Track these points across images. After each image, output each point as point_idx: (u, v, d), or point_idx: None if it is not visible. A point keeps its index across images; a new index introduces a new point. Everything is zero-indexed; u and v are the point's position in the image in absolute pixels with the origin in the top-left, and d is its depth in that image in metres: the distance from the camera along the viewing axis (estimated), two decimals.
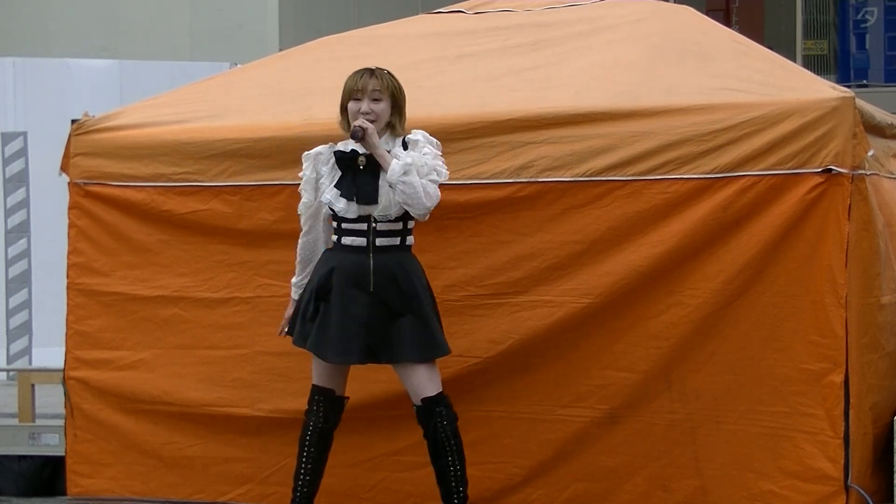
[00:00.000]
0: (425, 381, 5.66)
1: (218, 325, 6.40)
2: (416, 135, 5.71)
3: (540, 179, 6.04)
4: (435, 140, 5.72)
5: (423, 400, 5.68)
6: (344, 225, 5.71)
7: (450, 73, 6.51)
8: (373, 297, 5.64)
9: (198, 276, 6.42)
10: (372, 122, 5.63)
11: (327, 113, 5.95)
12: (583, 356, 6.06)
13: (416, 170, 5.57)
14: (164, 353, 6.46)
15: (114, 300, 6.52)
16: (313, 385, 5.83)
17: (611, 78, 6.25)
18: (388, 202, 5.64)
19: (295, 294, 5.87)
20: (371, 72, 5.68)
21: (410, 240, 5.76)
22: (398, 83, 5.72)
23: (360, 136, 5.60)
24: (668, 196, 5.93)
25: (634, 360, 6.00)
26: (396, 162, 5.57)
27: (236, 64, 9.09)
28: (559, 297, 6.03)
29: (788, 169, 5.80)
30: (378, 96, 5.66)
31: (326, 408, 5.80)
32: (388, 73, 5.71)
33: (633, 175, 5.96)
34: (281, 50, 10.33)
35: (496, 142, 6.09)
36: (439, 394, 5.69)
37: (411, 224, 5.76)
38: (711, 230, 5.90)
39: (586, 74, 6.33)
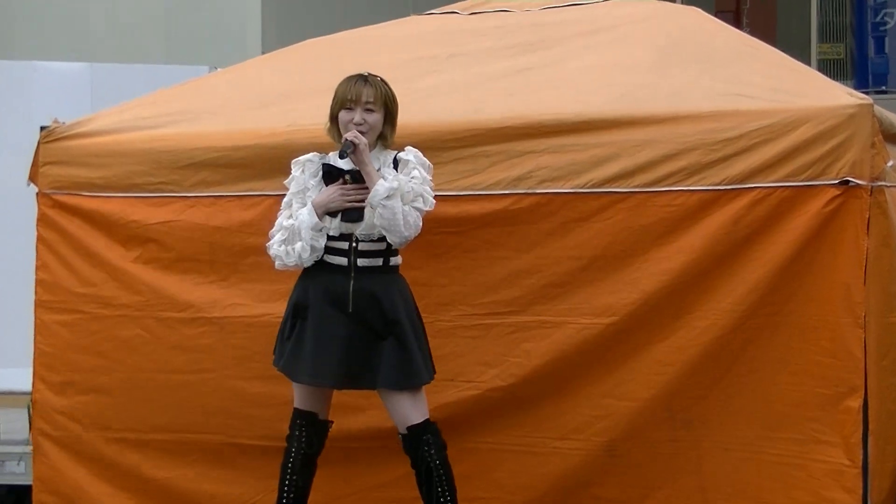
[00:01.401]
0: (409, 409, 5.58)
1: (182, 347, 6.29)
2: (408, 154, 5.65)
3: (538, 191, 5.96)
4: (427, 162, 5.66)
5: (409, 428, 5.59)
6: (327, 242, 5.64)
7: (442, 74, 6.43)
8: (352, 317, 5.57)
9: (162, 294, 6.33)
10: (364, 133, 5.57)
11: (312, 118, 5.87)
12: (580, 383, 5.96)
13: (400, 195, 5.51)
14: (129, 376, 6.37)
15: (79, 319, 6.43)
16: (295, 409, 5.75)
17: (612, 81, 6.18)
18: (372, 221, 5.58)
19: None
20: (365, 79, 5.62)
21: (396, 260, 5.69)
22: (391, 91, 5.65)
23: (350, 151, 5.52)
24: (674, 209, 5.86)
25: (636, 387, 5.89)
26: (382, 183, 5.51)
27: (216, 67, 9.07)
28: (557, 317, 5.94)
29: (802, 181, 5.73)
30: (372, 106, 5.60)
31: (309, 432, 5.72)
32: (382, 80, 5.65)
33: (636, 186, 5.89)
34: (263, 53, 10.32)
35: (492, 151, 6.01)
36: (426, 421, 5.60)
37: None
38: (720, 246, 5.81)
39: (587, 77, 6.25)
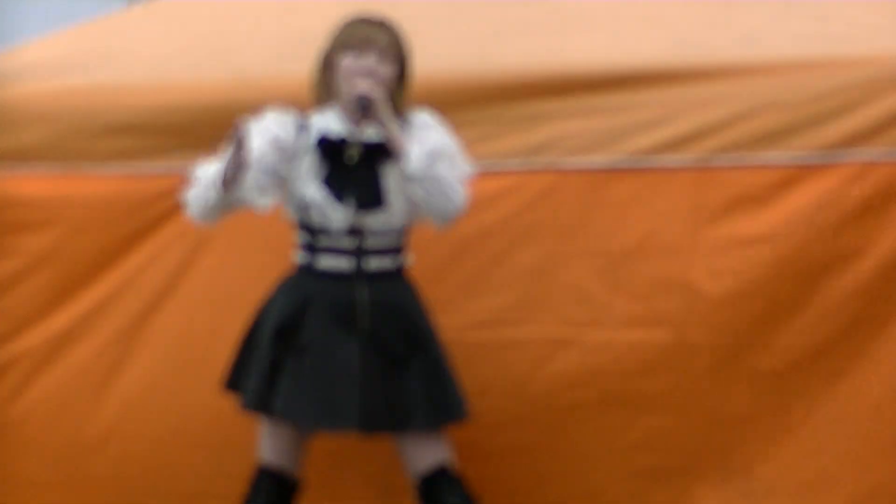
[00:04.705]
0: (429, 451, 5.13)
1: (71, 370, 5.87)
2: (423, 116, 5.12)
3: (562, 165, 5.56)
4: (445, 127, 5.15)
5: (424, 477, 5.10)
6: (322, 241, 5.09)
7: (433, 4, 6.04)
8: (369, 339, 5.08)
9: (47, 302, 5.93)
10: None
11: (266, 68, 5.66)
12: (594, 432, 5.47)
13: (444, 157, 4.99)
14: None
15: None
16: (262, 466, 5.23)
17: (665, 19, 5.82)
18: (398, 207, 5.08)
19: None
20: (381, 23, 5.11)
21: (408, 259, 5.24)
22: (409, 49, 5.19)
23: (364, 106, 4.96)
24: (741, 189, 5.42)
25: (675, 440, 5.42)
26: (419, 146, 4.98)
27: (135, 1, 8.88)
28: (567, 331, 5.50)
29: None
30: (386, 56, 5.06)
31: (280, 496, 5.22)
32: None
33: (691, 158, 5.45)
34: None
35: (503, 114, 5.62)
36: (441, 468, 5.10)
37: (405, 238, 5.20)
38: (801, 240, 5.37)
39: (631, 13, 5.92)
